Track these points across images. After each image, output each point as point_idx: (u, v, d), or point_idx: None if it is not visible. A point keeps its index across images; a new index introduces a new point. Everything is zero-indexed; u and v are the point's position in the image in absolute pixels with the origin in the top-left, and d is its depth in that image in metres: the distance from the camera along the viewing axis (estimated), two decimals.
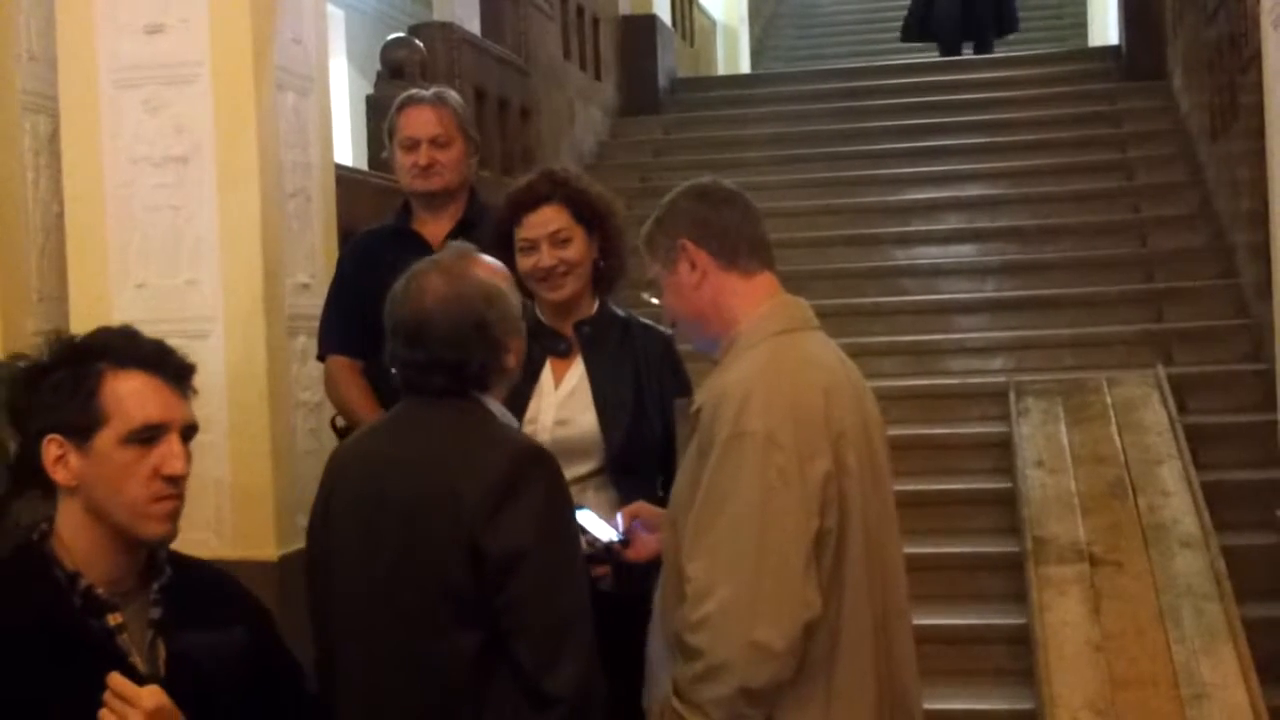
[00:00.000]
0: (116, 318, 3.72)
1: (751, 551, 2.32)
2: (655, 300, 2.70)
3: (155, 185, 3.73)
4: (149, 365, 2.22)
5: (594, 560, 3.01)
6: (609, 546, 2.86)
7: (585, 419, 3.19)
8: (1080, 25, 15.02)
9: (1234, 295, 6.84)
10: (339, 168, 4.53)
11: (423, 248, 3.86)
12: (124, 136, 3.75)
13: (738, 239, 2.59)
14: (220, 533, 3.87)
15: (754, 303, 2.56)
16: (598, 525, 2.89)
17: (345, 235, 4.31)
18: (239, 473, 3.88)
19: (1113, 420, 5.80)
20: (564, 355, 3.26)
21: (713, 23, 13.95)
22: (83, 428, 2.17)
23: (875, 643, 2.45)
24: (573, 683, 2.38)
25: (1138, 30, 9.34)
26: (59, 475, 2.18)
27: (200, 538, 3.83)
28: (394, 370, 2.60)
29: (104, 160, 3.77)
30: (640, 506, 2.93)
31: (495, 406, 2.59)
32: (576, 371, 3.26)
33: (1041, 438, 5.76)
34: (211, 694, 2.22)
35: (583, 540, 2.93)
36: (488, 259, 2.68)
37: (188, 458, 2.22)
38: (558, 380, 3.25)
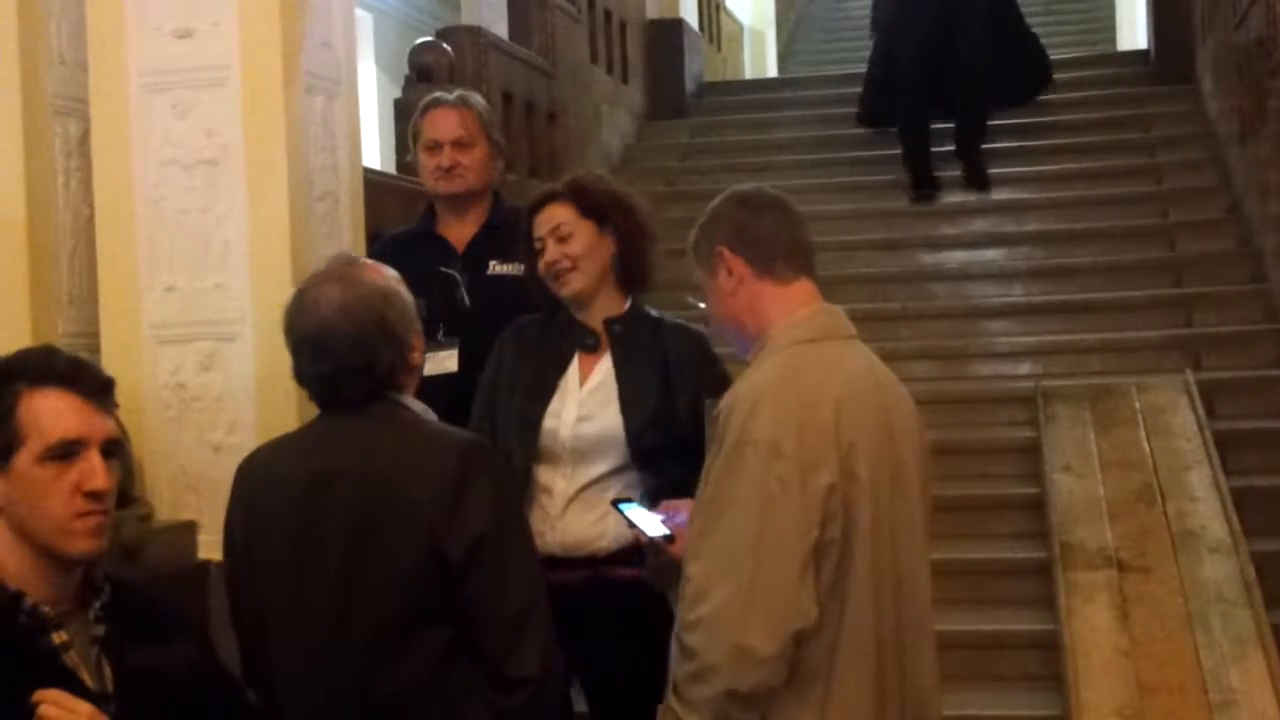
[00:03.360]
0: (146, 320, 3.74)
1: (747, 557, 2.35)
2: (702, 304, 2.74)
3: (184, 188, 3.74)
4: (65, 381, 2.21)
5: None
6: (654, 542, 2.87)
7: (607, 415, 3.20)
8: (1109, 29, 14.96)
9: (1263, 300, 6.79)
10: (367, 171, 4.54)
11: (447, 251, 3.88)
12: (153, 140, 3.76)
13: (774, 246, 2.61)
14: None
15: (789, 310, 2.58)
16: (648, 521, 2.89)
17: (373, 238, 4.32)
18: None
19: (1141, 425, 5.77)
20: (592, 350, 3.28)
21: (740, 27, 13.94)
22: (2, 449, 2.17)
23: (878, 655, 2.46)
24: (536, 663, 2.43)
25: (1166, 34, 9.29)
26: None
27: None
28: (305, 388, 2.59)
29: (134, 163, 3.78)
30: (678, 502, 2.93)
31: (416, 405, 2.60)
32: (604, 368, 3.27)
33: (1069, 443, 5.73)
34: (162, 709, 2.22)
35: (634, 535, 2.95)
36: (374, 263, 2.69)
37: (110, 473, 2.21)
38: (584, 376, 3.27)
